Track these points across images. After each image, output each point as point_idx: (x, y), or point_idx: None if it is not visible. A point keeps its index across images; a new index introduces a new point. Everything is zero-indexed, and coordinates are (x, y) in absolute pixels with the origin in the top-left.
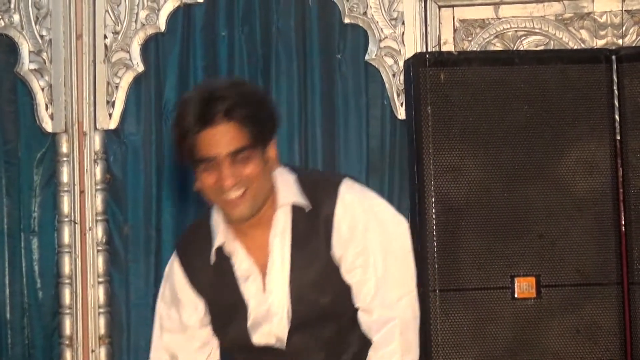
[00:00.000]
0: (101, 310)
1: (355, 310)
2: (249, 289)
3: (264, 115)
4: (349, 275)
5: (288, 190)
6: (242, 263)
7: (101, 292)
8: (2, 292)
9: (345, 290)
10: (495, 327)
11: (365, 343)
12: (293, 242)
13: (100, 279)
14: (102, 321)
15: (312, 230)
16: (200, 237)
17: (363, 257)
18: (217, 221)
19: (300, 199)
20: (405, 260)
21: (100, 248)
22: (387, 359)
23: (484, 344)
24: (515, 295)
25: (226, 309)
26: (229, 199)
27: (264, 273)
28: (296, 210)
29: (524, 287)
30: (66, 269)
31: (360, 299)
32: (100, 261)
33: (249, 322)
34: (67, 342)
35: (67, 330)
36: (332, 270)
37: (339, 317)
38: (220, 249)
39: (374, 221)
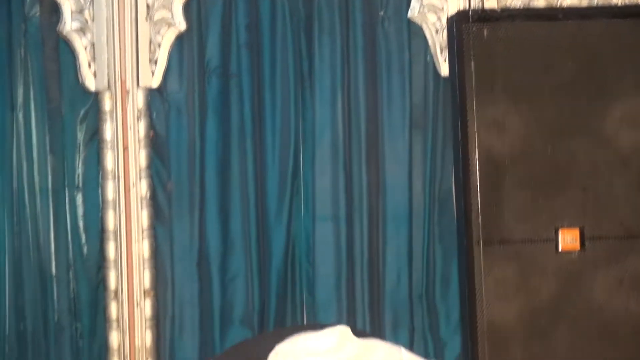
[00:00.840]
0: (146, 264)
1: None
2: None
3: None
4: None
5: None
6: None
7: (146, 246)
8: (48, 247)
9: None
10: (539, 279)
11: None
12: None
13: (145, 234)
14: (146, 275)
15: None
16: None
17: None
18: None
19: None
20: None
21: (144, 203)
22: None
23: (528, 295)
24: (559, 248)
25: None
26: None
27: None
28: None
29: (567, 239)
30: (110, 224)
31: None
32: (145, 216)
33: None
34: (112, 295)
35: (112, 284)
36: None
37: None
38: None
39: None
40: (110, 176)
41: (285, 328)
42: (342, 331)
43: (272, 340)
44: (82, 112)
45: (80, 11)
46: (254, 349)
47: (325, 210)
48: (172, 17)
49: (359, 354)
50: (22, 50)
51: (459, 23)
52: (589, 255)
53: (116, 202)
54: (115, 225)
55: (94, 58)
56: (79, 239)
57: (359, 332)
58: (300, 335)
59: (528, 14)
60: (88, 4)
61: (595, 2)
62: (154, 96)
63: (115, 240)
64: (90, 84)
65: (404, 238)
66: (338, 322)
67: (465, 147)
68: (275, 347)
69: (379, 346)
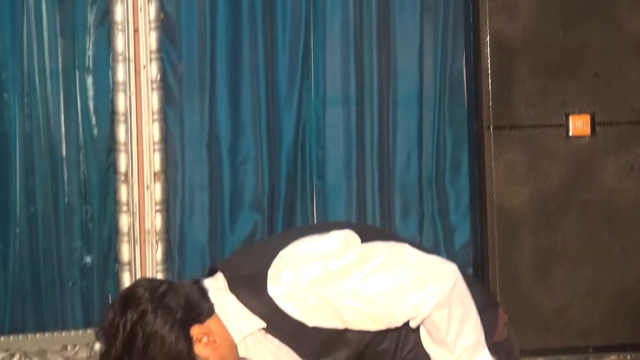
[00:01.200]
0: (156, 147)
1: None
2: None
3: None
4: (353, 327)
5: (237, 324)
6: None
7: (156, 129)
8: (58, 129)
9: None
10: (549, 164)
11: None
12: (289, 345)
13: (155, 116)
14: (157, 158)
15: (289, 327)
16: None
17: (348, 310)
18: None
19: (251, 324)
20: (374, 259)
21: (155, 85)
22: (429, 329)
23: (538, 180)
24: (570, 133)
25: None
26: None
27: None
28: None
29: (578, 124)
30: (121, 106)
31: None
32: (155, 99)
33: None
34: (122, 178)
35: (123, 167)
36: (329, 334)
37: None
38: None
39: (325, 278)
40: (120, 58)
41: (290, 231)
42: (347, 235)
43: (275, 246)
44: None
45: None
46: (257, 255)
47: (336, 94)
48: None
49: (363, 257)
50: None
51: None
52: (599, 140)
53: (126, 85)
54: (125, 107)
55: None
56: (89, 121)
57: (365, 237)
58: (303, 239)
59: None
60: None
61: None
62: None
63: (126, 122)
64: None
65: (414, 122)
66: (347, 206)
67: (477, 31)
68: (280, 252)
69: (383, 248)
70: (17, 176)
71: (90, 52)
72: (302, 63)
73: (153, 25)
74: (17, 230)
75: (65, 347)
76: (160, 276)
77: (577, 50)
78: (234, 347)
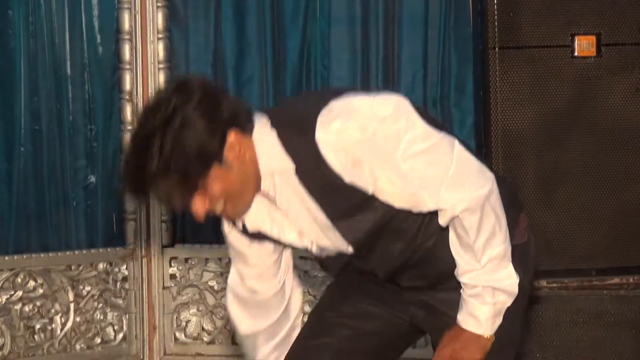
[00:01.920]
0: (161, 66)
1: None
2: (292, 243)
3: (179, 156)
4: (382, 196)
5: (268, 155)
6: (268, 226)
7: (161, 47)
8: (63, 48)
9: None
10: (554, 84)
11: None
12: (308, 190)
13: (160, 35)
14: (161, 77)
15: (318, 177)
16: None
17: (382, 178)
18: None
19: (281, 162)
20: (422, 141)
21: (160, 4)
22: (459, 233)
23: (543, 101)
24: (575, 53)
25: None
26: (219, 215)
27: (301, 234)
28: (295, 167)
29: (584, 45)
30: (126, 25)
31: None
32: (160, 17)
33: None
34: (127, 97)
35: (127, 86)
36: (361, 196)
37: (396, 217)
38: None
39: (367, 139)
40: None
41: (343, 88)
42: (400, 103)
43: (324, 97)
44: None
45: None
46: (304, 103)
47: (341, 12)
48: None
49: (413, 136)
50: None
51: None
52: (604, 61)
53: (131, 3)
54: (130, 26)
55: None
56: (94, 39)
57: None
58: (356, 96)
59: None
60: None
61: None
62: None
63: (130, 41)
64: None
65: (420, 42)
66: None
67: None
68: (331, 102)
69: (434, 134)
70: (22, 94)
71: None
72: None
73: None
74: (22, 148)
75: (69, 267)
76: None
77: None
78: (257, 174)
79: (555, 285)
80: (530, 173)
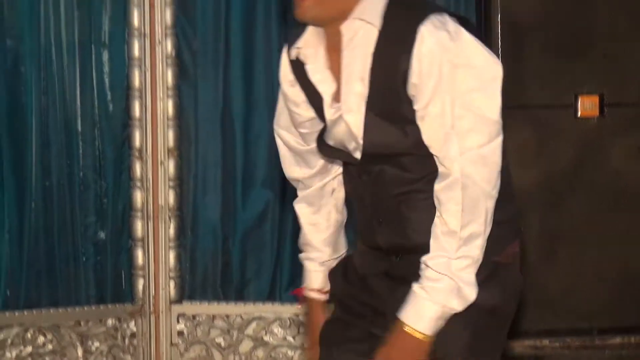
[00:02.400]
0: (170, 123)
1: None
2: (325, 97)
3: None
4: (421, 122)
5: (367, 7)
6: (313, 68)
7: (170, 105)
8: (74, 103)
9: (417, 135)
10: (557, 145)
11: None
12: (374, 63)
13: (170, 92)
14: (170, 134)
15: (393, 63)
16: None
17: (437, 105)
18: (310, 28)
19: (372, 18)
20: (487, 109)
21: (169, 61)
22: (445, 218)
23: (546, 161)
24: (579, 114)
25: (316, 106)
26: None
27: (339, 83)
28: (380, 32)
29: (587, 105)
30: (136, 81)
31: (428, 145)
32: (170, 74)
33: (326, 126)
34: (136, 153)
35: (137, 142)
36: (409, 114)
37: (413, 154)
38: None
39: (454, 62)
40: (136, 33)
41: None
42: (499, 71)
43: (425, 12)
44: None
45: None
46: (428, 3)
47: None
48: None
49: (490, 94)
50: None
51: None
52: (607, 122)
53: (142, 60)
54: (140, 83)
55: None
56: (105, 96)
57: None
58: (471, 33)
59: None
60: None
61: None
62: None
63: (140, 98)
64: None
65: None
66: None
67: (488, 11)
68: (446, 16)
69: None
70: (33, 150)
71: (106, 27)
72: None
73: (168, 0)
74: (33, 204)
75: (78, 323)
76: (172, 253)
77: (586, 31)
78: (350, 7)
79: (557, 344)
80: (533, 232)
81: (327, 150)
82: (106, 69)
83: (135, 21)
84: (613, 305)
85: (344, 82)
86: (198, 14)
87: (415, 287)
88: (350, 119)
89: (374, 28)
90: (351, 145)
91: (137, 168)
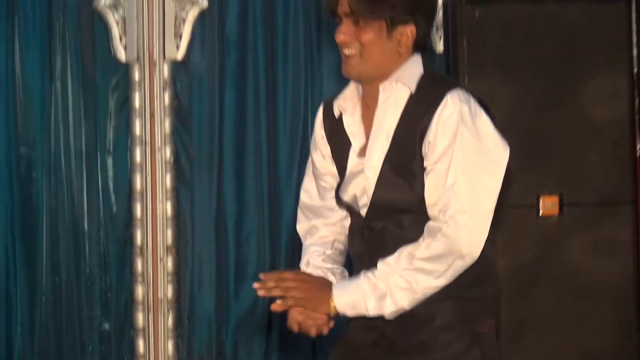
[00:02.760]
0: (169, 223)
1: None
2: (353, 148)
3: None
4: (427, 177)
5: (406, 72)
6: (349, 120)
7: (169, 206)
8: (81, 206)
9: (421, 192)
10: (521, 241)
11: None
12: (400, 121)
13: (168, 195)
14: (169, 233)
15: (416, 121)
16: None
17: (444, 163)
18: (352, 85)
19: (409, 82)
20: (487, 185)
21: (168, 167)
22: (416, 245)
23: (511, 256)
24: (540, 213)
25: (339, 160)
26: (343, 54)
27: (367, 137)
28: (411, 95)
29: (548, 205)
30: (138, 185)
31: (427, 199)
32: (169, 178)
33: (345, 177)
34: (138, 251)
35: (139, 241)
36: (419, 169)
37: (414, 212)
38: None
39: (468, 133)
40: (138, 141)
41: None
42: (505, 156)
43: (455, 85)
44: (113, 82)
45: None
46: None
47: None
48: None
49: (492, 175)
50: (61, 24)
51: (453, 4)
52: (567, 220)
53: (143, 166)
54: (141, 186)
55: (125, 32)
56: (109, 199)
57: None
58: (488, 119)
59: None
60: None
61: None
62: (178, 68)
63: (142, 200)
64: (121, 56)
65: None
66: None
67: None
68: (471, 98)
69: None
70: (43, 248)
71: (110, 135)
72: (301, 146)
73: (168, 111)
74: (43, 298)
75: None
76: (171, 343)
77: (547, 136)
78: (390, 70)
79: None
80: (502, 319)
81: (341, 204)
82: (110, 173)
83: (137, 130)
84: None
85: (372, 138)
86: (194, 124)
87: (362, 274)
88: (369, 173)
89: (408, 90)
90: (362, 201)
91: (139, 264)
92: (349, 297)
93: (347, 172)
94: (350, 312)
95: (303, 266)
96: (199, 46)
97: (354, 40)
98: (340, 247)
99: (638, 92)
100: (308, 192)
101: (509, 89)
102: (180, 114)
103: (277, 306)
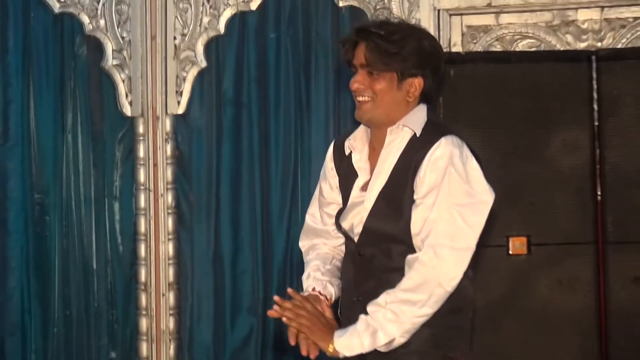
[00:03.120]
0: (170, 261)
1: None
2: (357, 182)
3: (407, 50)
4: (415, 209)
5: (412, 119)
6: (357, 158)
7: (171, 247)
8: (90, 247)
9: (408, 223)
10: (492, 278)
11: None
12: (399, 159)
13: (170, 236)
14: (171, 271)
15: (411, 158)
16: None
17: (431, 198)
18: (362, 127)
19: (415, 127)
20: (471, 223)
21: (170, 211)
22: (402, 279)
23: (482, 291)
24: (510, 252)
25: (344, 190)
26: (357, 100)
27: (371, 175)
28: (412, 137)
29: (517, 245)
30: (142, 228)
31: (412, 229)
32: (170, 222)
33: (347, 207)
34: (142, 287)
35: (143, 278)
36: (408, 201)
37: (404, 243)
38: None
39: (457, 175)
40: (142, 188)
41: None
42: (489, 201)
43: (451, 132)
44: (120, 135)
45: (120, 50)
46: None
47: None
48: (195, 56)
49: (477, 218)
50: (72, 83)
51: None
52: (534, 258)
53: (147, 210)
54: (145, 229)
55: (130, 89)
56: (116, 240)
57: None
58: (477, 169)
59: (487, 57)
60: (126, 44)
61: (542, 48)
62: (179, 122)
63: (146, 241)
64: (127, 111)
65: None
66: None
67: None
68: (464, 145)
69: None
70: (56, 285)
71: (117, 183)
72: (291, 192)
73: (169, 161)
74: (55, 330)
75: None
76: None
77: (516, 183)
78: (398, 116)
79: None
80: (474, 351)
81: (339, 229)
82: (117, 217)
83: (142, 178)
84: None
85: (375, 174)
86: (194, 172)
87: (361, 316)
88: (367, 205)
89: (411, 133)
90: (357, 229)
91: (143, 299)
92: (347, 339)
93: (349, 202)
94: (347, 352)
95: (304, 278)
96: (198, 102)
97: (367, 88)
98: (338, 264)
99: (598, 143)
100: (313, 216)
101: (481, 140)
102: (181, 163)
103: (273, 312)
